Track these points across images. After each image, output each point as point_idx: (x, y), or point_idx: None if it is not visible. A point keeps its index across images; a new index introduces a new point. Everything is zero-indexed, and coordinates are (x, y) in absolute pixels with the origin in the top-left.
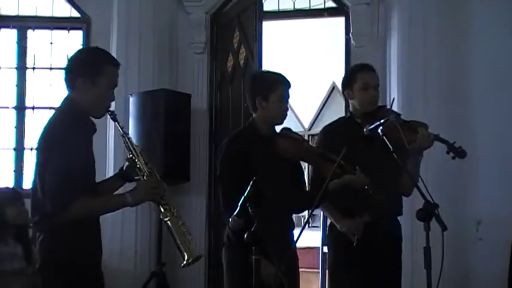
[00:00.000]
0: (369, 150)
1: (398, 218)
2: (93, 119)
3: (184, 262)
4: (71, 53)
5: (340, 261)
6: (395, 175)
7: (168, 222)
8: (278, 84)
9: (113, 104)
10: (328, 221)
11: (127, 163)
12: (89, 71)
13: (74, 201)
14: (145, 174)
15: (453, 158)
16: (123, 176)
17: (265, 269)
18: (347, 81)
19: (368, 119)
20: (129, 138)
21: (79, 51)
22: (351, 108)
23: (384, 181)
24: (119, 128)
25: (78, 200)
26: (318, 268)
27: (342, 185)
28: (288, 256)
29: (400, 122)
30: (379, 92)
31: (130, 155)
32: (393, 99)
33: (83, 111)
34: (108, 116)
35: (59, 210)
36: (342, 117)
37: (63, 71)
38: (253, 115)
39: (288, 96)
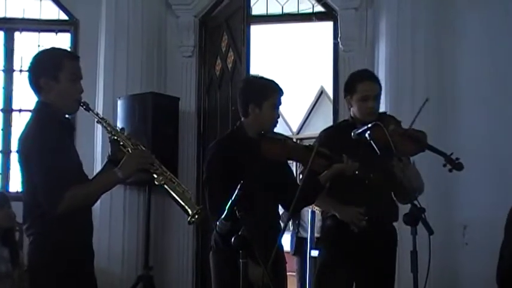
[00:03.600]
0: (368, 156)
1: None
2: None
3: (190, 218)
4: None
5: (333, 261)
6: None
7: (165, 185)
8: (272, 92)
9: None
10: (318, 224)
11: (112, 145)
12: (49, 69)
13: (65, 193)
14: (130, 148)
15: (450, 170)
16: (112, 160)
17: (253, 271)
18: (347, 89)
19: None
20: (105, 121)
21: (36, 54)
22: (352, 114)
23: (383, 187)
24: (94, 115)
25: (69, 191)
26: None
27: (333, 175)
28: (276, 260)
29: (401, 130)
30: (379, 101)
31: (111, 136)
32: (426, 99)
33: (55, 110)
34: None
35: (54, 206)
36: (344, 121)
37: (26, 76)
38: (242, 119)
39: (280, 104)
